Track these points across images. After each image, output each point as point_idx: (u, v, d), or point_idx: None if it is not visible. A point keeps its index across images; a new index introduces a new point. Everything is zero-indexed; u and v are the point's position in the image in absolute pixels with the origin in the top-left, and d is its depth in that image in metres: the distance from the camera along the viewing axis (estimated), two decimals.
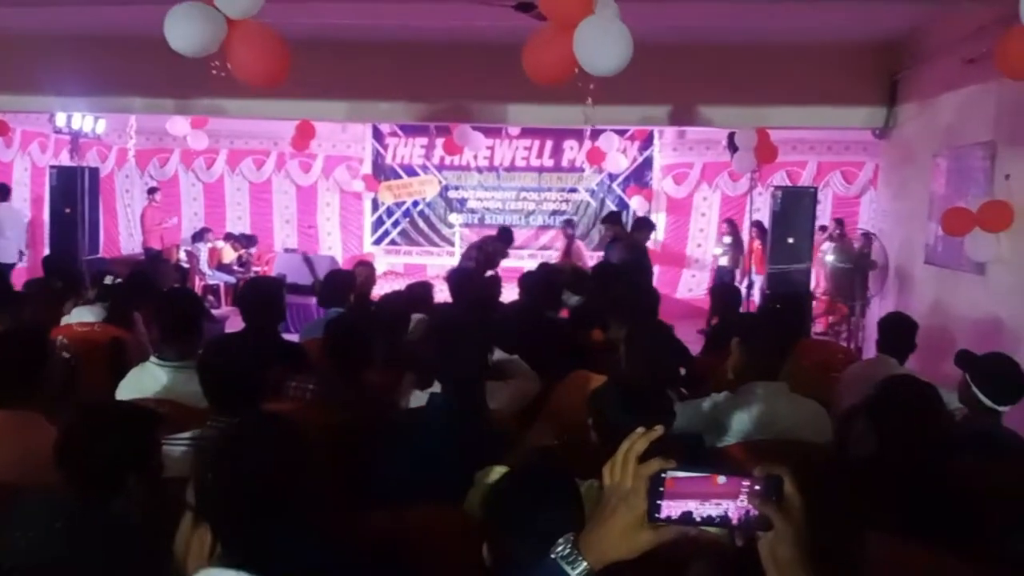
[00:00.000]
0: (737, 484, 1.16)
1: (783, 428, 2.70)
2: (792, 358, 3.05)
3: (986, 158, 5.62)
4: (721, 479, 1.16)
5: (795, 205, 7.83)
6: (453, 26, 6.77)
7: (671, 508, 1.15)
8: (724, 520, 1.15)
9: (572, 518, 1.50)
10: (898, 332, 3.99)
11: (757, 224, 10.35)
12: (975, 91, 5.84)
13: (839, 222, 10.13)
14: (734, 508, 1.16)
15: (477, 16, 5.65)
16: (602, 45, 3.31)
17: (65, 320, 4.54)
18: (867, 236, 8.17)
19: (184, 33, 3.62)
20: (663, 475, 1.16)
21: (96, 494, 1.86)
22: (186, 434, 2.41)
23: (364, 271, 5.63)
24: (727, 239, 11.21)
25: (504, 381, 3.11)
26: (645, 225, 8.76)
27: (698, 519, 1.15)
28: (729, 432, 2.68)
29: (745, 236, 11.06)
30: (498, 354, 3.31)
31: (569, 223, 11.33)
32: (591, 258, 10.40)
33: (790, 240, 7.71)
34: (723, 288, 5.95)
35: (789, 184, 11.20)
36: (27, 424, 2.40)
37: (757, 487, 1.15)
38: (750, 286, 10.09)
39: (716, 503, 1.15)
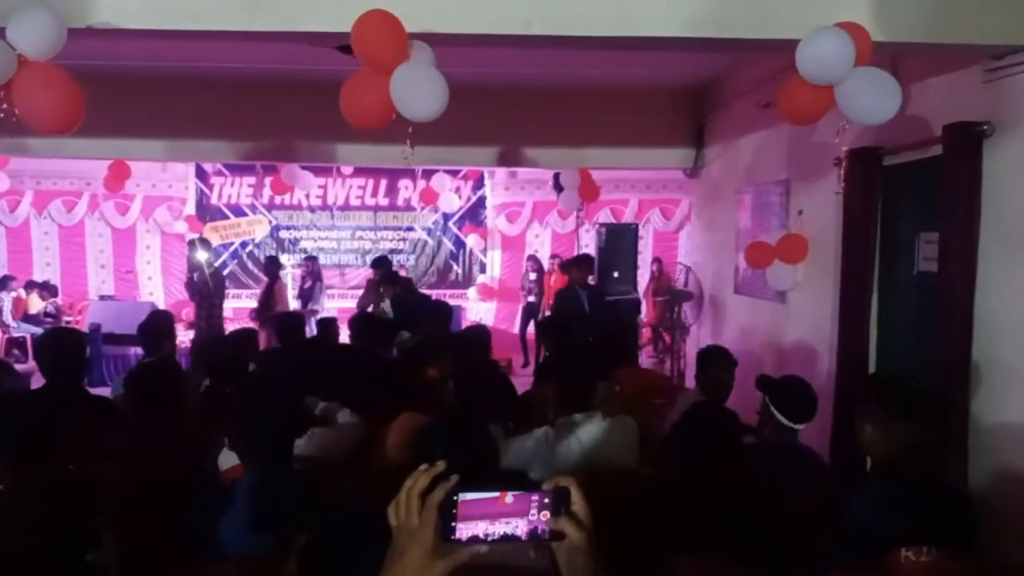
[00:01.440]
0: (526, 500, 1.19)
1: (603, 455, 2.80)
2: (609, 386, 3.17)
3: (782, 194, 6.15)
4: (509, 497, 1.19)
5: (619, 240, 8.23)
6: (278, 64, 6.65)
7: (464, 530, 1.17)
8: (514, 536, 1.17)
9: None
10: (712, 363, 4.23)
11: (554, 256, 10.79)
12: (770, 133, 6.39)
13: (658, 260, 10.81)
14: (524, 524, 1.18)
15: (301, 55, 5.58)
16: (418, 93, 3.35)
17: None
18: (685, 269, 8.70)
19: None
20: (455, 498, 1.17)
21: None
22: None
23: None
24: (532, 275, 11.23)
25: (326, 427, 3.04)
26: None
27: (490, 537, 1.17)
28: (556, 464, 2.74)
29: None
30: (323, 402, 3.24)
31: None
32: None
33: (615, 273, 8.07)
34: (549, 322, 6.12)
35: (613, 221, 11.74)
36: None
37: (546, 500, 1.19)
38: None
39: (506, 521, 1.18)
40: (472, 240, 12.92)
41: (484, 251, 13.18)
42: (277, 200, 12.86)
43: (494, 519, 1.18)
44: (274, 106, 7.38)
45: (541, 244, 12.94)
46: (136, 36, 4.10)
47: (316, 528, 1.74)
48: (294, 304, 10.24)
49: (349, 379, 3.36)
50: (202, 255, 8.27)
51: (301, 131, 7.59)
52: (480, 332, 4.30)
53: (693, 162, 8.04)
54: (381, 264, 8.49)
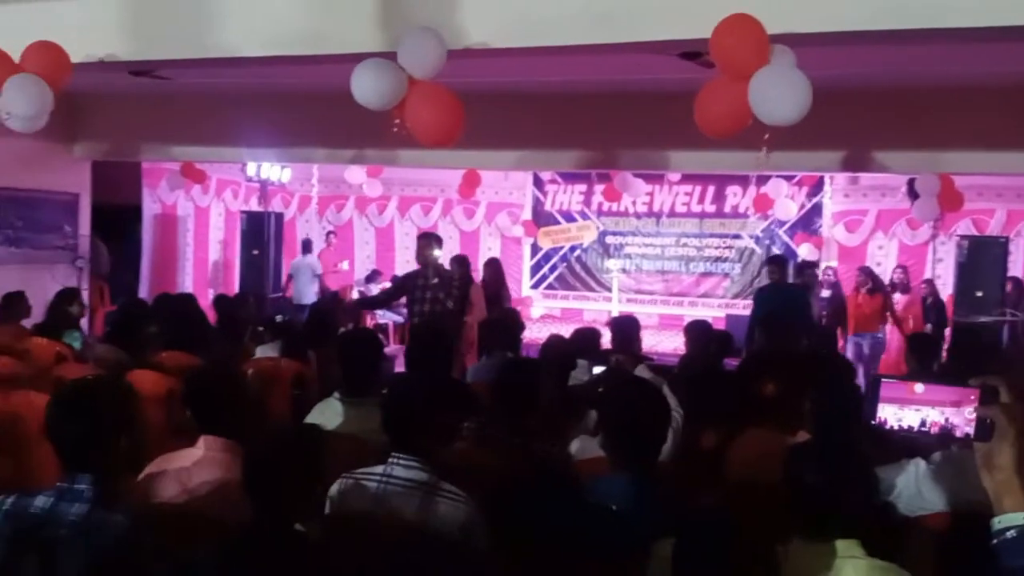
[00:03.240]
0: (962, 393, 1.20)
1: (984, 499, 2.48)
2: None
3: None
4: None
5: (984, 255, 7.31)
6: (615, 75, 6.84)
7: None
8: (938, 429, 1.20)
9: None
10: None
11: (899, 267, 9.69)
12: None
13: (1016, 280, 9.18)
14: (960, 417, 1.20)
15: (641, 66, 5.69)
16: (780, 96, 3.24)
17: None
18: None
19: (369, 87, 3.87)
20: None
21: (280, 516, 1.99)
22: (373, 469, 2.51)
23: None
24: (825, 292, 9.66)
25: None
26: (807, 267, 8.43)
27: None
28: (927, 501, 2.50)
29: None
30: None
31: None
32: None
33: (979, 293, 7.16)
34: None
35: (976, 233, 10.42)
36: (228, 449, 2.59)
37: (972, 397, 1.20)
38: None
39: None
40: (805, 250, 12.19)
41: (818, 261, 12.40)
42: (605, 207, 13.25)
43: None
44: (609, 115, 7.57)
45: (885, 256, 11.87)
46: (497, 55, 4.48)
47: (683, 536, 1.75)
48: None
49: (696, 388, 3.36)
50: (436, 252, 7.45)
51: (634, 139, 7.71)
52: (840, 358, 4.05)
53: None
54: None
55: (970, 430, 1.18)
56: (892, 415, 1.17)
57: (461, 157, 8.28)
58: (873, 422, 1.18)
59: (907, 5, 3.28)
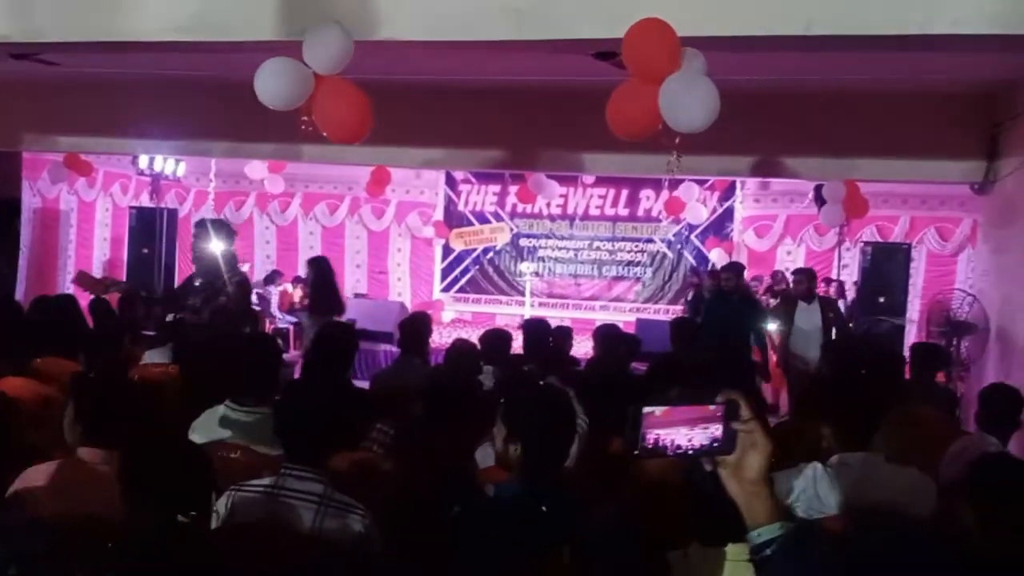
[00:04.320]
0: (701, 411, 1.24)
1: (881, 499, 2.61)
2: (890, 425, 2.95)
3: None
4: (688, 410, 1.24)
5: (887, 262, 7.67)
6: (530, 75, 6.89)
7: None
8: (691, 448, 1.24)
9: None
10: (1000, 406, 3.81)
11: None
12: None
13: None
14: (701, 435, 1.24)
15: (556, 65, 5.75)
16: (689, 103, 3.33)
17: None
18: (968, 297, 7.90)
19: (274, 88, 3.79)
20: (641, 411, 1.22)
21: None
22: (263, 481, 2.45)
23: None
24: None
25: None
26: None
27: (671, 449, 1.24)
28: (824, 504, 2.60)
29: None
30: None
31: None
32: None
33: (881, 299, 7.51)
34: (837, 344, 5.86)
35: (880, 240, 10.94)
36: (108, 462, 2.49)
37: (719, 413, 1.24)
38: None
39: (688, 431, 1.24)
40: (716, 255, 12.57)
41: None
42: (519, 208, 13.34)
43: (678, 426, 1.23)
44: (524, 114, 7.62)
45: (793, 261, 12.32)
46: (409, 48, 4.45)
47: (578, 543, 1.77)
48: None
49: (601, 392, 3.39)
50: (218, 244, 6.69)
51: (549, 139, 7.79)
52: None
53: (984, 175, 7.28)
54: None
55: (717, 444, 1.24)
56: (664, 438, 1.22)
57: (370, 153, 8.18)
58: (636, 451, 1.21)
59: (818, 12, 3.42)
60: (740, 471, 1.24)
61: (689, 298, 10.94)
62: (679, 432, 1.22)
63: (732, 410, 1.24)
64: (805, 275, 7.43)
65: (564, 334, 6.18)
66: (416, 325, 4.87)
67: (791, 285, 7.59)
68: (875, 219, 11.10)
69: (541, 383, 3.64)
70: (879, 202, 10.72)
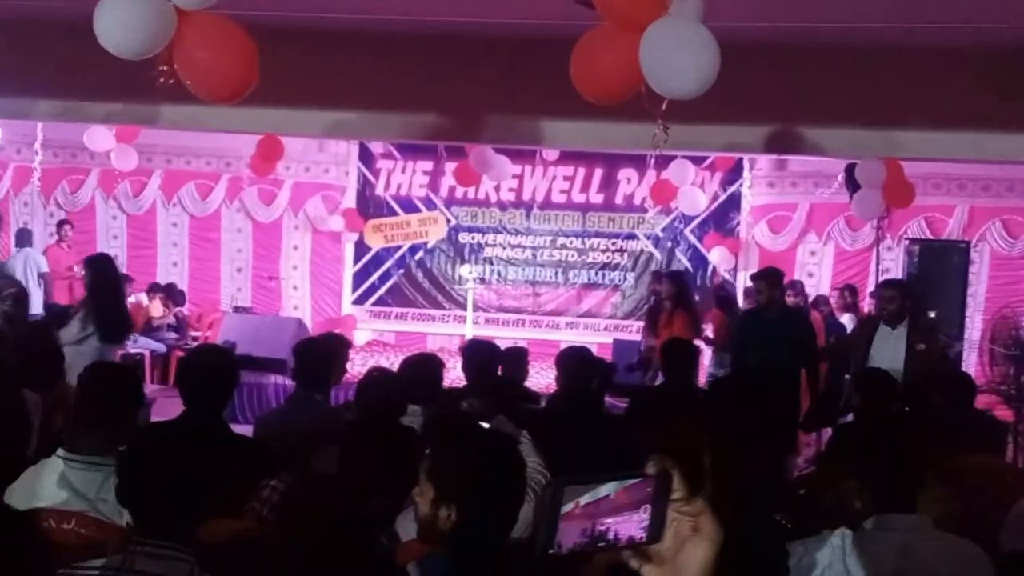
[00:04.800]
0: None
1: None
2: (938, 478, 3.02)
3: None
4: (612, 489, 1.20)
5: (939, 265, 7.86)
6: (474, 15, 6.89)
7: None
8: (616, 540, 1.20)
9: None
10: None
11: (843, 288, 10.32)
12: None
13: None
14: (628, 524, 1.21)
15: (507, 3, 5.76)
16: (679, 59, 3.37)
17: None
18: None
19: (122, 27, 3.73)
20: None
21: None
22: (97, 563, 2.41)
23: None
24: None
25: None
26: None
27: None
28: None
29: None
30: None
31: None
32: None
33: (932, 314, 7.68)
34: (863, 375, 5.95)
35: (930, 237, 11.18)
36: None
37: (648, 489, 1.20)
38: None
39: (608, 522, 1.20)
40: (717, 255, 12.76)
41: (734, 271, 12.99)
42: (459, 193, 13.42)
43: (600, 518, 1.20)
44: (466, 70, 7.63)
45: (819, 265, 12.56)
46: None
47: None
48: None
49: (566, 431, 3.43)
50: None
51: (498, 102, 7.80)
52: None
53: None
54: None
55: (643, 533, 1.20)
56: (590, 527, 1.18)
57: (255, 117, 8.10)
58: (550, 550, 1.17)
59: None
60: (676, 571, 1.21)
61: (646, 309, 10.66)
62: (607, 519, 1.19)
63: (663, 485, 1.20)
64: (899, 290, 7.24)
65: (517, 360, 6.20)
66: (317, 350, 4.83)
67: (880, 303, 7.48)
68: (924, 209, 11.36)
69: (484, 425, 3.65)
70: (929, 187, 10.99)
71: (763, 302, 7.43)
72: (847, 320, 10.15)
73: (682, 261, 13.18)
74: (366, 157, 13.60)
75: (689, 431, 2.63)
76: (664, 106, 3.49)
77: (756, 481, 3.22)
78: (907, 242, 9.49)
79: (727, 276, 12.89)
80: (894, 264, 11.03)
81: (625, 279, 13.46)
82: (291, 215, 13.65)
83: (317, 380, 4.67)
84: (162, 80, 3.85)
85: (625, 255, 13.46)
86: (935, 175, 11.11)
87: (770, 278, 7.62)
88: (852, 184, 8.99)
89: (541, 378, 11.39)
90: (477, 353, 5.46)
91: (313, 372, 4.71)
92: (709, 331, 9.63)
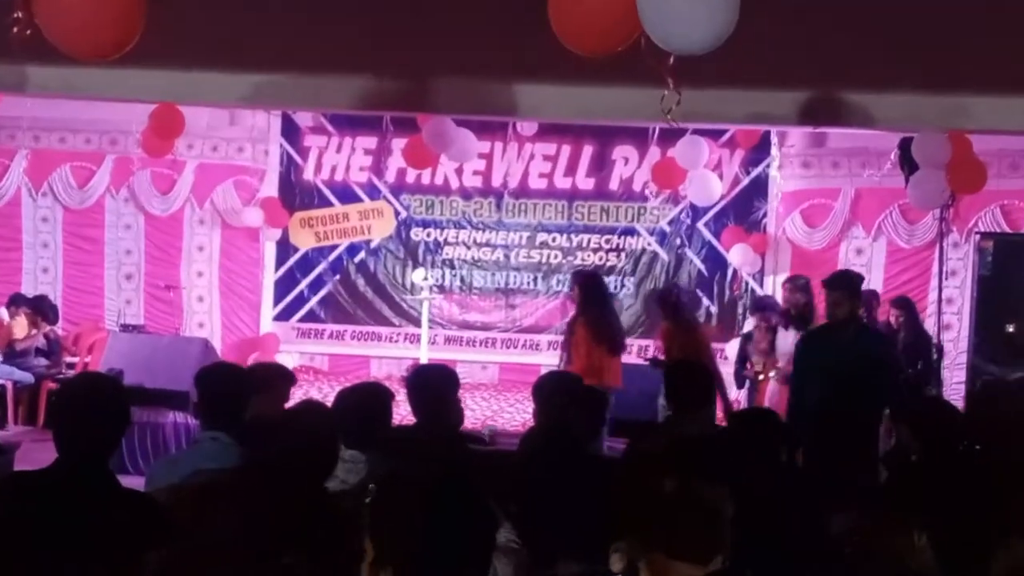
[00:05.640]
0: None
1: None
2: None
3: None
4: None
5: (1019, 266, 7.90)
6: None
7: None
8: None
9: None
10: None
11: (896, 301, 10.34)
12: None
13: None
14: None
15: None
16: (684, 3, 3.36)
17: None
18: None
19: None
20: None
21: None
22: None
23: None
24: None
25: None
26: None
27: None
28: None
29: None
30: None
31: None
32: None
33: (1010, 327, 7.74)
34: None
35: (1007, 231, 11.24)
36: None
37: None
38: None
39: None
40: (738, 255, 12.77)
41: (760, 275, 13.02)
42: (410, 177, 13.42)
43: None
44: (419, 18, 7.64)
45: (866, 267, 12.59)
46: None
47: None
48: None
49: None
50: None
51: (459, 61, 7.81)
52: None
53: None
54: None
55: None
56: None
57: (148, 82, 8.08)
58: None
59: None
60: None
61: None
62: None
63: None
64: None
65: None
66: (228, 380, 4.80)
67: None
68: (998, 195, 11.42)
69: (438, 475, 3.65)
70: (1005, 168, 11.05)
71: (841, 316, 7.36)
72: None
73: (694, 262, 13.22)
74: (291, 132, 13.59)
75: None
76: (672, 62, 3.48)
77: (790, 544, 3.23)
78: (978, 237, 9.51)
79: (751, 280, 12.92)
80: (962, 265, 11.07)
81: (623, 286, 13.48)
82: (194, 207, 13.58)
83: (226, 415, 4.64)
84: (17, 30, 3.77)
85: (622, 255, 13.52)
86: (1012, 152, 11.17)
87: (849, 285, 7.56)
88: (908, 164, 9.05)
89: (516, 412, 11.41)
90: (429, 382, 5.42)
91: (222, 405, 4.68)
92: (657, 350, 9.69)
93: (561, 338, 9.05)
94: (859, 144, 12.06)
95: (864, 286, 12.12)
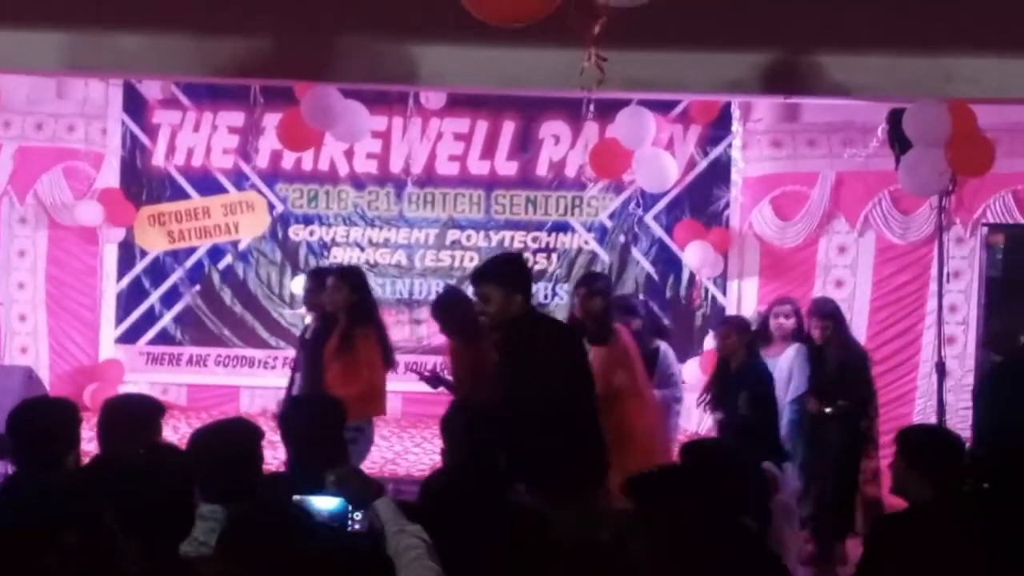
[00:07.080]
0: None
1: None
2: None
3: None
4: None
5: None
6: None
7: None
8: None
9: None
10: None
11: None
12: None
13: None
14: None
15: None
16: None
17: None
18: None
19: None
20: None
21: None
22: None
23: None
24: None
25: None
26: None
27: None
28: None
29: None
30: None
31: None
32: None
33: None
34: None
35: (1021, 221, 11.40)
36: None
37: None
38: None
39: None
40: (696, 254, 12.85)
41: (722, 279, 13.12)
42: (287, 162, 13.44)
43: None
44: None
45: (850, 268, 12.72)
46: None
47: None
48: None
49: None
50: None
51: (346, 18, 7.83)
52: None
53: None
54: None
55: None
56: None
57: None
58: None
59: None
60: None
61: None
62: None
63: None
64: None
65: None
66: (52, 415, 4.77)
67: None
68: (1009, 179, 11.60)
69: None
70: (1017, 145, 11.21)
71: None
72: None
73: (642, 264, 13.31)
74: (135, 106, 13.54)
75: None
76: (601, 24, 3.52)
77: None
78: (985, 230, 9.66)
79: (712, 285, 12.99)
80: (967, 264, 11.21)
81: (555, 294, 13.59)
82: (13, 201, 13.50)
83: (47, 457, 4.61)
84: None
85: (554, 257, 13.63)
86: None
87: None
88: (900, 142, 9.14)
89: (423, 452, 11.42)
90: (308, 418, 5.46)
91: (43, 445, 4.66)
92: None
93: None
94: (840, 118, 12.20)
95: (849, 290, 12.48)
